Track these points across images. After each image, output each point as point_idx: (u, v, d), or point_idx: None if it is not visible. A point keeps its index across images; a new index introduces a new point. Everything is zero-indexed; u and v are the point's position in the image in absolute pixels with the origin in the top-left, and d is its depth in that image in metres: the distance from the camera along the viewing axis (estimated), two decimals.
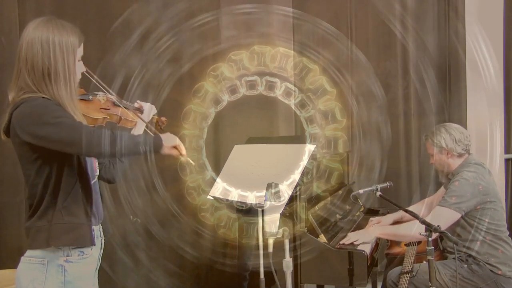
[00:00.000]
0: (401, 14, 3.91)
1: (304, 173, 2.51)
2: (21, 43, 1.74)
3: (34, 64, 1.71)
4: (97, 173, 1.93)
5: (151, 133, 2.03)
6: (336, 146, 3.39)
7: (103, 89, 1.96)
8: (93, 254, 1.84)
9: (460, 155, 2.82)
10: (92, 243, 1.81)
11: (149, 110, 2.12)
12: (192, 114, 3.37)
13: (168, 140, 1.82)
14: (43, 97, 1.71)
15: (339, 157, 3.38)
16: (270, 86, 3.45)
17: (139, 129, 2.10)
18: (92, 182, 1.85)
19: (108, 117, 1.95)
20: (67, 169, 1.75)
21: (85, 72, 1.86)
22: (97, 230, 1.88)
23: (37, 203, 1.75)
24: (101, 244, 1.93)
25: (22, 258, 1.79)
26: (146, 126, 2.08)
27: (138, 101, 2.12)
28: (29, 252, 1.77)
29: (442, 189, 3.14)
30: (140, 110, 2.10)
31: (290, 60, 3.43)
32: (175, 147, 1.84)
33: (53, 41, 1.71)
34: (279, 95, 3.45)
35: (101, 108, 1.95)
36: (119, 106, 1.99)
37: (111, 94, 1.98)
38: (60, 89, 1.72)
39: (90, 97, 1.94)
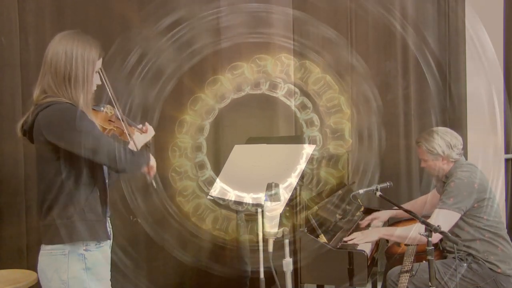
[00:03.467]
0: (401, 14, 3.91)
1: (307, 169, 2.51)
2: (47, 50, 1.95)
3: (57, 68, 1.91)
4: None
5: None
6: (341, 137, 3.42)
7: (114, 102, 2.10)
8: (107, 244, 2.04)
9: (454, 160, 2.83)
10: (108, 237, 2.01)
11: (151, 132, 2.28)
12: (199, 103, 3.41)
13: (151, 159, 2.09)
14: (67, 102, 1.89)
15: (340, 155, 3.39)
16: (274, 86, 3.47)
17: (138, 143, 2.22)
18: (107, 182, 2.04)
19: (114, 128, 2.09)
20: (87, 170, 1.91)
21: (105, 82, 2.03)
22: (108, 222, 2.06)
23: (53, 201, 1.89)
24: (111, 234, 2.10)
25: (42, 252, 1.94)
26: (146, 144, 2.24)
27: (146, 123, 2.28)
28: (49, 246, 1.92)
29: (434, 191, 3.15)
30: (140, 129, 2.23)
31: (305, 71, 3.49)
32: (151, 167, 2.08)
33: (76, 51, 1.92)
34: (281, 95, 3.47)
35: (109, 120, 2.09)
36: (121, 120, 2.12)
37: (118, 109, 2.13)
38: (78, 93, 1.92)
39: (102, 108, 2.09)
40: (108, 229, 2.04)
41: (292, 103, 3.50)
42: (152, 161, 2.10)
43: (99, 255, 1.96)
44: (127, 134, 2.10)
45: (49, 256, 1.91)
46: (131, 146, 2.18)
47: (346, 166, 3.50)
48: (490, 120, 3.90)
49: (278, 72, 3.51)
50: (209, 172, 3.45)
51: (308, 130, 3.46)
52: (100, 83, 2.03)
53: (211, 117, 3.52)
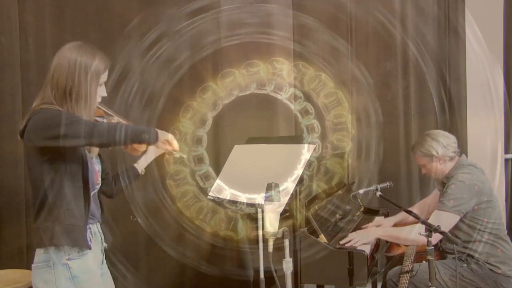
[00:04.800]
0: (401, 14, 3.91)
1: (306, 169, 2.51)
2: (53, 60, 1.93)
3: (59, 81, 1.89)
4: (98, 185, 2.09)
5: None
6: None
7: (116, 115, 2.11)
8: (93, 250, 2.02)
9: (451, 158, 2.85)
10: (88, 247, 1.97)
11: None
12: (209, 93, 3.41)
13: (163, 134, 2.01)
14: (59, 110, 1.88)
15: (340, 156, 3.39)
16: (262, 84, 3.48)
17: (149, 156, 2.32)
18: (92, 193, 2.02)
19: None
20: (71, 174, 1.91)
21: (102, 110, 2.03)
22: (94, 227, 2.07)
23: (41, 204, 1.90)
24: (101, 239, 2.12)
25: (32, 266, 1.96)
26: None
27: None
28: (36, 258, 1.95)
29: (436, 191, 3.15)
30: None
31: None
32: (167, 142, 2.03)
33: (79, 64, 1.89)
34: (270, 91, 3.48)
35: None
36: None
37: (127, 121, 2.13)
38: (79, 109, 1.90)
39: (105, 120, 2.07)
40: (93, 235, 2.02)
41: (283, 96, 3.51)
42: (166, 135, 2.03)
43: (84, 262, 1.96)
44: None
45: (37, 269, 1.94)
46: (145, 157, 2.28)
47: (343, 181, 3.51)
48: (490, 120, 3.89)
49: (292, 78, 3.54)
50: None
51: (304, 120, 3.47)
52: (105, 95, 2.00)
53: (215, 110, 3.52)
